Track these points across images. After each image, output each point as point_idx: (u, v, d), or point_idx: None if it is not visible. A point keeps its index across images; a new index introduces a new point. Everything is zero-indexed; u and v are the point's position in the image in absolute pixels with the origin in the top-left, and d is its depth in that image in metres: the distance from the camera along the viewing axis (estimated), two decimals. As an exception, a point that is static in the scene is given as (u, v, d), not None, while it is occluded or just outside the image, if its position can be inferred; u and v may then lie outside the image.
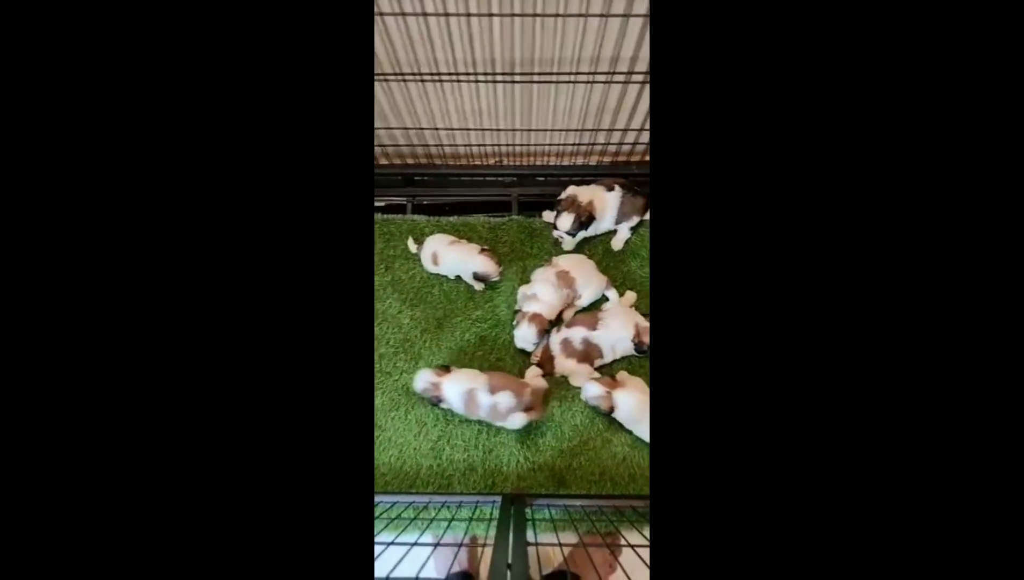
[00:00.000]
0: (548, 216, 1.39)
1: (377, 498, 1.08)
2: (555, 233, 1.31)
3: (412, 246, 1.37)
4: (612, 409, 1.10)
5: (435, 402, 1.13)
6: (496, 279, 1.29)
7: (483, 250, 1.28)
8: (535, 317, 1.19)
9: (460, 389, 1.09)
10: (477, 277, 1.28)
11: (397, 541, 0.75)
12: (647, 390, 1.13)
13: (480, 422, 1.19)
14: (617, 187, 1.30)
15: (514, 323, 1.23)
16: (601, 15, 1.01)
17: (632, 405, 1.09)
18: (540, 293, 1.20)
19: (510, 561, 0.61)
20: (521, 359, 1.26)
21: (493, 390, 1.08)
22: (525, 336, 1.19)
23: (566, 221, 1.25)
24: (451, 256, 1.28)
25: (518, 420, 1.09)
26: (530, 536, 0.87)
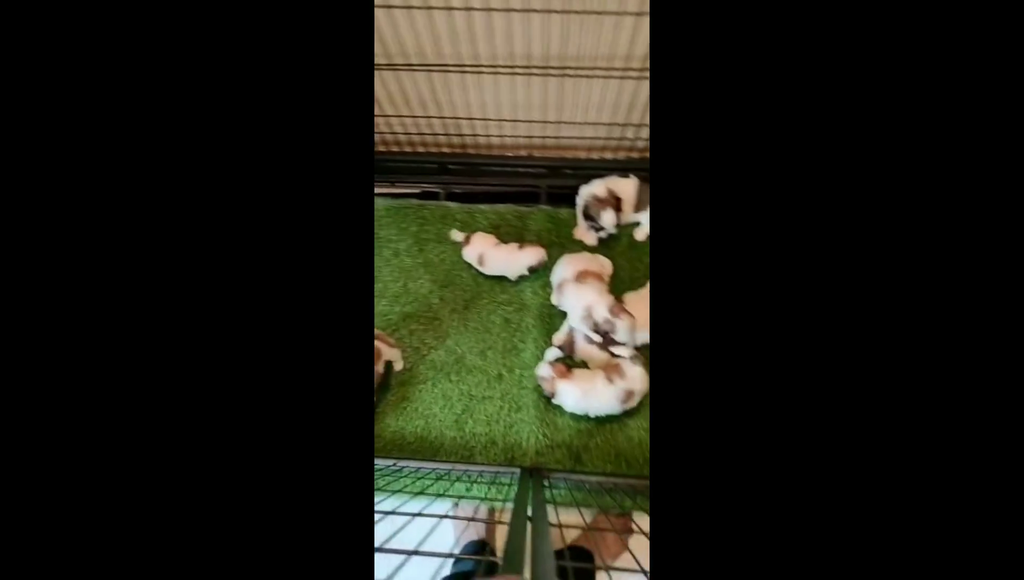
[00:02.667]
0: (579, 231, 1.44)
1: (403, 463, 1.15)
2: (600, 233, 1.36)
3: (457, 236, 1.42)
4: (553, 395, 1.19)
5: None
6: (545, 260, 1.35)
7: (522, 246, 1.34)
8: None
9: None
10: (532, 270, 1.35)
11: (425, 512, 0.77)
12: (593, 383, 1.16)
13: (502, 399, 1.25)
14: (631, 175, 1.35)
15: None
16: (636, 13, 1.06)
17: (575, 398, 1.16)
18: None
19: (530, 538, 0.65)
20: (544, 343, 1.31)
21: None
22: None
23: (609, 217, 1.32)
24: (498, 258, 1.35)
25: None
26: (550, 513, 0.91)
